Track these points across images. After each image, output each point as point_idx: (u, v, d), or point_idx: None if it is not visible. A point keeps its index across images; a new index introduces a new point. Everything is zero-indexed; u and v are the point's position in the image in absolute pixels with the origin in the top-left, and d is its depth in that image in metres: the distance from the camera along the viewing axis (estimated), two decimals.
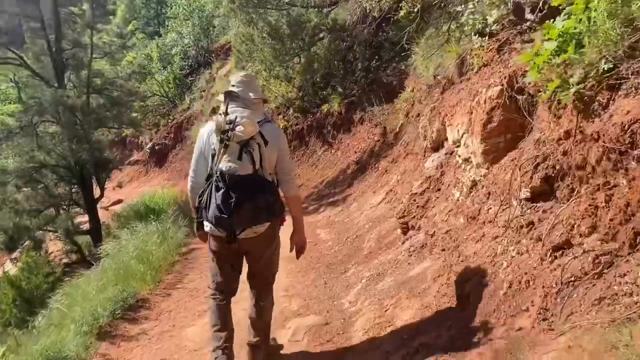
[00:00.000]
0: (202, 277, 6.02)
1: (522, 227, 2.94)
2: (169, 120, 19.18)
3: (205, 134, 3.07)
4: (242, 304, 3.62)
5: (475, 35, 4.31)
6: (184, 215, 8.82)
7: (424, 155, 5.21)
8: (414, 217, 4.71)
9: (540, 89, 3.05)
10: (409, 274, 4.01)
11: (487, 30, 4.15)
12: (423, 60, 6.72)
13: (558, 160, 2.86)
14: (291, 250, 3.36)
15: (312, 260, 5.81)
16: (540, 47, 2.82)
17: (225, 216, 2.81)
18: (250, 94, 3.05)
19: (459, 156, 4.10)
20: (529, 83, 3.17)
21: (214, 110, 16.86)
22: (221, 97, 3.08)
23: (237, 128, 2.84)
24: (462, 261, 3.32)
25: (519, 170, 3.05)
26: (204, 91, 19.50)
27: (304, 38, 11.11)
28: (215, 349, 3.12)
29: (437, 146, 5.00)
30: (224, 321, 3.20)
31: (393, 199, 6.28)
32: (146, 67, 20.71)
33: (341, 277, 5.00)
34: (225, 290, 3.24)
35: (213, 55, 22.00)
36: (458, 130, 4.07)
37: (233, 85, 3.09)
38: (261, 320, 3.33)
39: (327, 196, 8.71)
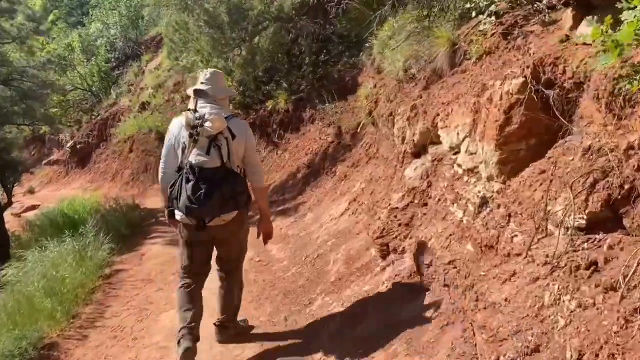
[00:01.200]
0: (130, 310, 4.92)
1: (578, 267, 2.15)
2: (93, 117, 17.44)
3: (175, 128, 3.29)
4: (210, 287, 3.67)
5: (474, 15, 3.53)
6: (107, 227, 7.57)
7: (402, 162, 4.40)
8: (396, 237, 3.88)
9: (597, 80, 2.28)
10: (401, 315, 3.16)
11: (490, 10, 3.37)
12: (390, 52, 5.92)
13: (627, 177, 2.10)
14: (258, 236, 3.65)
15: (266, 286, 4.85)
16: (609, 22, 2.04)
17: (195, 206, 3.07)
18: (218, 91, 3.28)
19: (459, 165, 3.30)
20: (588, 71, 2.39)
21: (143, 105, 15.43)
22: (190, 92, 3.29)
23: (206, 124, 3.06)
24: (484, 308, 2.50)
25: (569, 189, 2.27)
26: (132, 85, 17.92)
27: (245, 27, 10.06)
28: (181, 329, 3.25)
29: (418, 151, 4.19)
30: (192, 301, 3.37)
31: (358, 210, 5.43)
32: (67, 58, 18.82)
33: (305, 311, 4.08)
34: (197, 271, 3.47)
35: (142, 47, 20.37)
36: (458, 134, 3.27)
37: (202, 83, 3.28)
38: (229, 300, 3.60)
39: (276, 204, 7.74)
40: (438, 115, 3.57)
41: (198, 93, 3.24)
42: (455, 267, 2.98)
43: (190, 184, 3.07)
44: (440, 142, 3.84)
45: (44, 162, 20.10)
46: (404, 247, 3.78)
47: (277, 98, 10.07)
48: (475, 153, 3.12)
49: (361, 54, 9.29)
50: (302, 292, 4.45)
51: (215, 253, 3.55)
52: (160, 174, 3.38)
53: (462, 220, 3.13)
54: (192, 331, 3.23)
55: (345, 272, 4.32)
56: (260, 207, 3.63)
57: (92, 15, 23.28)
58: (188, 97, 3.36)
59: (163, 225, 8.25)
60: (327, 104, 8.71)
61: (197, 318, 3.34)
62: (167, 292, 5.16)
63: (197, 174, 3.08)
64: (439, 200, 3.63)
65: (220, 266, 3.59)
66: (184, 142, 3.17)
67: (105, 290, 5.47)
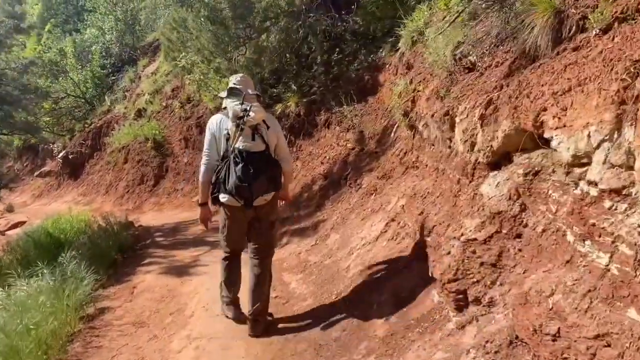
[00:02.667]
0: None
1: None
2: (86, 125, 16.37)
3: (215, 122, 3.75)
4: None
5: None
6: (94, 251, 6.50)
7: (471, 175, 3.32)
8: (478, 281, 2.80)
9: None
10: None
11: None
12: (431, 41, 4.87)
13: None
14: (280, 200, 4.09)
15: (289, 334, 3.76)
16: None
17: (246, 184, 3.50)
18: (249, 90, 3.75)
19: (591, 183, 2.22)
20: None
21: (140, 112, 14.37)
22: (223, 94, 3.79)
23: (250, 114, 3.53)
24: None
25: None
26: (127, 91, 16.88)
27: (251, 23, 9.02)
28: (228, 304, 4.10)
29: (497, 161, 3.11)
30: (235, 275, 4.03)
31: (401, 234, 4.35)
32: (59, 64, 17.83)
33: None
34: (237, 247, 4.01)
35: (139, 52, 19.35)
36: (589, 136, 2.19)
37: (234, 84, 3.74)
38: (261, 292, 3.85)
39: (290, 221, 6.67)
40: (545, 110, 2.49)
41: (232, 91, 3.69)
42: (609, 346, 1.89)
43: (240, 165, 3.48)
44: (534, 148, 2.77)
45: (35, 173, 19.05)
46: (492, 298, 2.69)
47: (286, 101, 9.02)
48: (624, 166, 2.04)
49: (381, 50, 8.26)
50: (339, 349, 3.36)
51: (249, 245, 3.97)
52: (202, 168, 3.77)
53: (608, 269, 2.04)
54: (236, 304, 4.06)
55: (399, 325, 3.23)
56: (286, 184, 4.05)
57: (87, 20, 22.27)
58: (221, 98, 3.86)
59: (160, 247, 7.17)
60: (344, 107, 7.65)
61: (237, 291, 4.06)
62: (163, 342, 4.08)
63: (245, 158, 3.51)
64: (545, 231, 2.54)
65: (255, 252, 3.91)
66: (227, 133, 3.61)
67: (86, 339, 4.36)
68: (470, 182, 3.31)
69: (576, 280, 2.16)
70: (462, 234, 3.00)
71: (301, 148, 8.43)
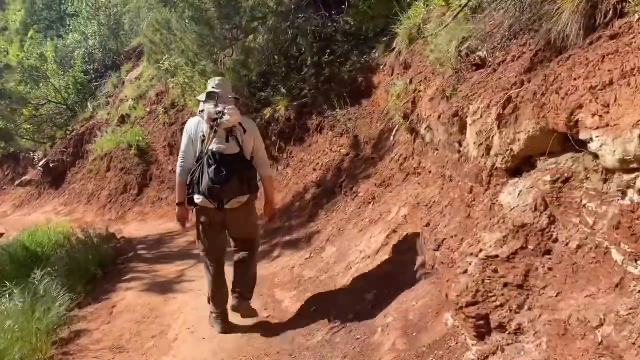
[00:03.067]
0: None
1: None
2: (68, 132, 15.83)
3: (192, 124, 3.80)
4: None
5: None
6: (72, 266, 6.06)
7: (487, 183, 2.96)
8: (502, 305, 2.44)
9: None
10: None
11: None
12: (432, 37, 4.54)
13: None
14: (263, 216, 4.19)
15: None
16: None
17: (218, 186, 3.55)
18: (228, 94, 3.82)
19: None
20: None
21: (123, 118, 13.90)
22: (202, 97, 3.78)
23: (225, 117, 3.58)
24: None
25: None
26: (110, 97, 16.40)
27: (238, 24, 8.66)
28: (217, 318, 3.96)
29: (518, 166, 2.76)
30: (221, 287, 3.94)
31: (404, 247, 3.99)
32: (40, 69, 17.29)
33: None
34: (218, 254, 3.94)
35: (123, 58, 18.87)
36: None
37: (213, 87, 3.78)
38: (246, 275, 3.96)
39: (281, 232, 6.28)
40: (581, 107, 2.15)
41: (210, 95, 3.71)
42: None
43: (213, 167, 3.53)
44: (563, 151, 2.43)
45: (16, 182, 18.43)
46: (520, 325, 2.33)
47: (275, 105, 8.64)
48: None
49: (374, 51, 7.93)
50: None
51: (232, 244, 4.01)
52: (178, 169, 3.83)
53: None
54: (223, 316, 3.95)
55: (409, 353, 2.86)
56: (268, 193, 4.05)
57: (70, 25, 21.72)
58: (198, 101, 3.84)
59: (143, 261, 6.74)
60: (337, 110, 7.30)
61: (225, 303, 3.96)
62: None
63: (218, 159, 3.56)
64: (581, 248, 2.19)
65: (239, 247, 3.95)
66: (203, 135, 3.66)
67: None
68: (486, 190, 2.95)
69: (631, 309, 1.81)
70: (480, 250, 2.64)
71: (292, 154, 8.05)
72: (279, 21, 8.52)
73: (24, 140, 16.56)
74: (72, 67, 18.21)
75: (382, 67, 7.20)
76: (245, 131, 3.70)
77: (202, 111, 3.71)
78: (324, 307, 3.98)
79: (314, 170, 7.14)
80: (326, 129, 7.44)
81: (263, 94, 9.31)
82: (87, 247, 7.27)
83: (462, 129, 3.35)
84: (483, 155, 3.01)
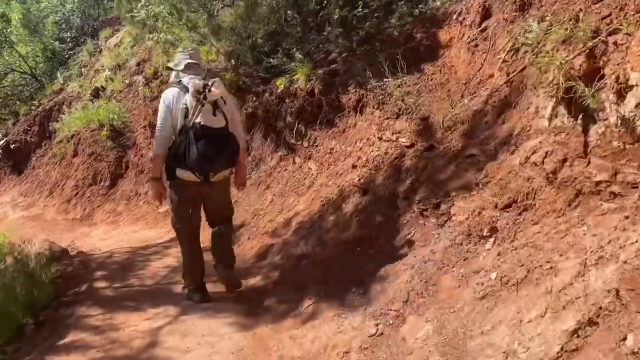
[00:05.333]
0: None
1: None
2: (33, 107, 13.33)
3: (171, 95, 3.65)
4: None
5: None
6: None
7: None
8: None
9: None
10: None
11: None
12: None
13: None
14: (235, 186, 4.11)
15: None
16: None
17: (208, 160, 3.52)
18: (202, 65, 3.99)
19: None
20: None
21: (97, 91, 11.45)
22: (178, 66, 3.81)
23: (212, 89, 3.52)
24: None
25: None
26: (84, 67, 13.88)
27: None
28: (195, 290, 3.99)
29: None
30: (198, 259, 3.98)
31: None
32: (2, 32, 14.73)
33: None
34: (193, 225, 3.93)
35: (104, 23, 16.30)
36: None
37: (191, 59, 3.83)
38: (229, 247, 4.09)
39: (309, 261, 4.03)
40: None
41: (190, 66, 3.78)
42: None
43: (202, 141, 3.47)
44: None
45: None
46: None
47: (292, 74, 6.32)
48: None
49: None
50: None
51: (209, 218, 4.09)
52: (157, 141, 3.70)
53: None
54: (201, 286, 4.01)
55: None
56: (241, 163, 3.96)
57: None
58: (170, 70, 4.01)
59: (100, 302, 4.47)
60: (388, 80, 5.01)
61: (203, 274, 4.03)
62: None
63: (208, 133, 3.51)
64: None
65: (217, 222, 4.01)
66: (186, 107, 3.56)
67: None
68: None
69: None
70: None
71: (316, 142, 5.75)
72: None
73: None
74: (41, 33, 15.62)
75: (455, 15, 4.89)
76: (225, 103, 3.66)
77: (180, 82, 3.70)
78: None
79: (354, 167, 4.86)
80: (370, 107, 5.14)
81: (272, 60, 6.99)
82: (25, 272, 4.99)
83: None
84: None
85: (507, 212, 2.86)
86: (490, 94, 3.67)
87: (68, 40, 16.39)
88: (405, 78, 4.92)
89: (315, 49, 6.65)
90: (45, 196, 10.05)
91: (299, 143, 6.05)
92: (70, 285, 4.86)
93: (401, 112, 4.66)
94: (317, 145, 5.73)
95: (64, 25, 16.77)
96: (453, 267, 2.93)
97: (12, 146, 12.82)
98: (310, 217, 4.84)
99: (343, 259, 3.88)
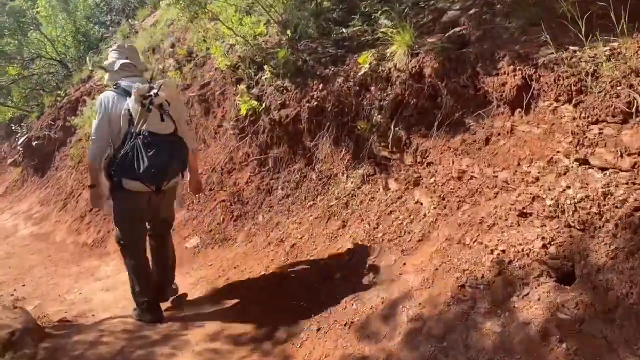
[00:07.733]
0: None
1: None
2: (58, 99, 11.58)
3: (110, 100, 3.23)
4: None
5: None
6: None
7: None
8: None
9: None
10: None
11: None
12: None
13: None
14: (190, 191, 3.98)
15: None
16: None
17: (160, 170, 3.19)
18: (140, 65, 3.53)
19: None
20: None
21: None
22: (113, 66, 3.38)
23: (160, 93, 3.18)
24: None
25: None
26: None
27: None
28: (148, 309, 3.60)
29: None
30: (148, 272, 3.65)
31: None
32: (27, 13, 13.13)
33: None
34: (140, 237, 3.58)
35: (144, 2, 14.44)
36: None
37: (127, 59, 3.40)
38: (169, 259, 3.86)
39: None
40: None
41: (127, 67, 3.38)
42: None
43: (153, 150, 3.14)
44: None
45: (9, 161, 14.55)
46: None
47: (382, 47, 4.02)
48: None
49: None
50: None
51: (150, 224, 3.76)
52: (92, 152, 3.33)
53: None
54: (154, 302, 3.64)
55: None
56: (193, 167, 3.75)
57: None
58: (104, 69, 3.48)
59: None
60: (585, 48, 2.63)
61: (151, 289, 3.64)
62: None
63: (158, 141, 3.18)
64: None
65: (158, 231, 3.75)
66: (128, 113, 3.20)
67: None
68: None
69: None
70: None
71: (428, 157, 3.42)
72: None
73: (6, 107, 12.57)
74: (74, 12, 13.88)
75: None
76: (169, 104, 3.29)
77: (117, 85, 3.30)
78: None
79: (523, 215, 2.52)
80: (549, 97, 2.75)
81: (345, 30, 4.79)
82: None
83: None
84: None
85: None
86: None
87: (109, 23, 14.68)
88: (628, 42, 2.51)
89: (414, 8, 4.34)
90: (59, 208, 8.19)
91: (395, 157, 3.74)
92: None
93: (629, 108, 2.26)
94: (430, 164, 3.40)
95: (104, 8, 15.07)
96: None
97: (33, 144, 11.14)
98: (439, 313, 2.55)
99: None
